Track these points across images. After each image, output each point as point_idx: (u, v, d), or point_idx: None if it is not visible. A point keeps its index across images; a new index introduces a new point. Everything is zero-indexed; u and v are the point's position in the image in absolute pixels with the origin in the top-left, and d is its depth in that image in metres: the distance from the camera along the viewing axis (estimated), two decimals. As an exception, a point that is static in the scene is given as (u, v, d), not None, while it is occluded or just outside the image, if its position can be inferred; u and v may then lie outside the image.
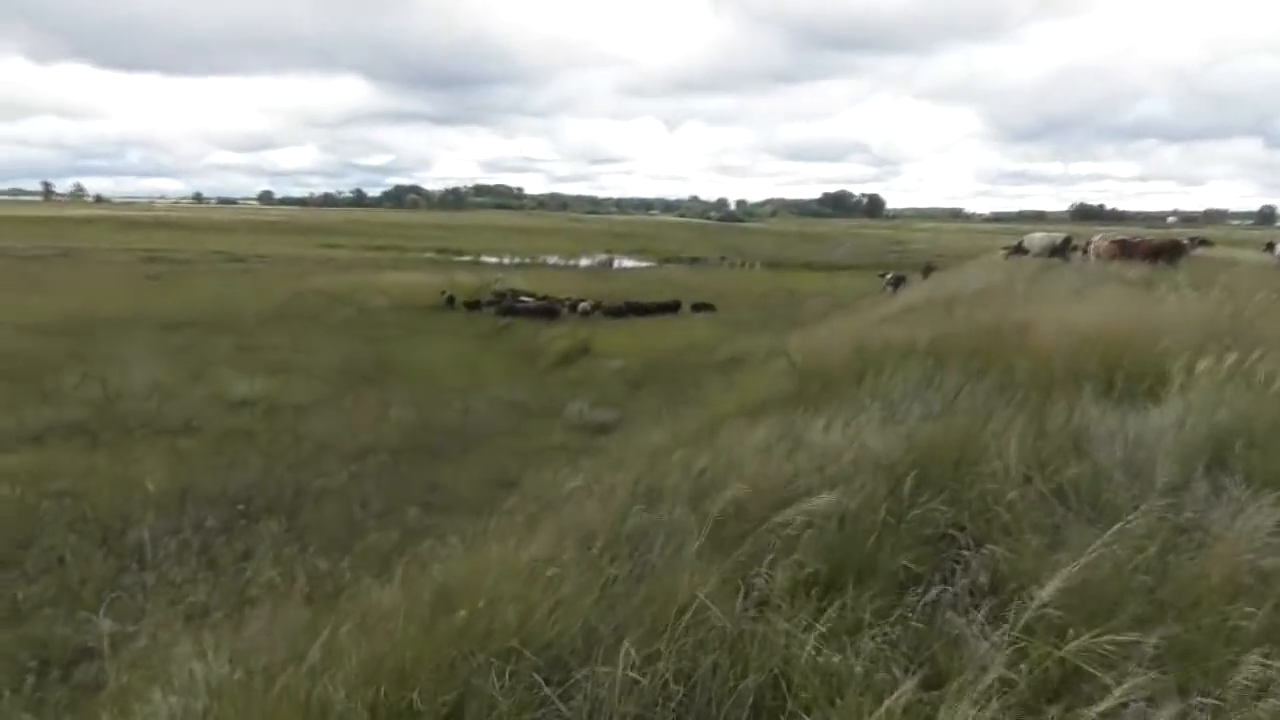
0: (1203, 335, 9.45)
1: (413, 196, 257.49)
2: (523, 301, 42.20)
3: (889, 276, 39.21)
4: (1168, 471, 5.32)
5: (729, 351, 24.38)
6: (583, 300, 42.08)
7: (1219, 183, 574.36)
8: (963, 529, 4.65)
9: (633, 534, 4.25)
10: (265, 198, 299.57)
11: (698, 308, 43.16)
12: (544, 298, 43.75)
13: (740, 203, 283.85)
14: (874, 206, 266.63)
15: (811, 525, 4.25)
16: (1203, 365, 7.40)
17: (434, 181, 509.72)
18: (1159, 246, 23.56)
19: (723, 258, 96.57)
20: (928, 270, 45.11)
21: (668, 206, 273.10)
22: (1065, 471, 5.17)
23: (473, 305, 42.80)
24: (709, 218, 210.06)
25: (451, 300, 43.26)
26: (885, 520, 4.42)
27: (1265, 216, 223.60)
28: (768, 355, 17.68)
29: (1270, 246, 30.27)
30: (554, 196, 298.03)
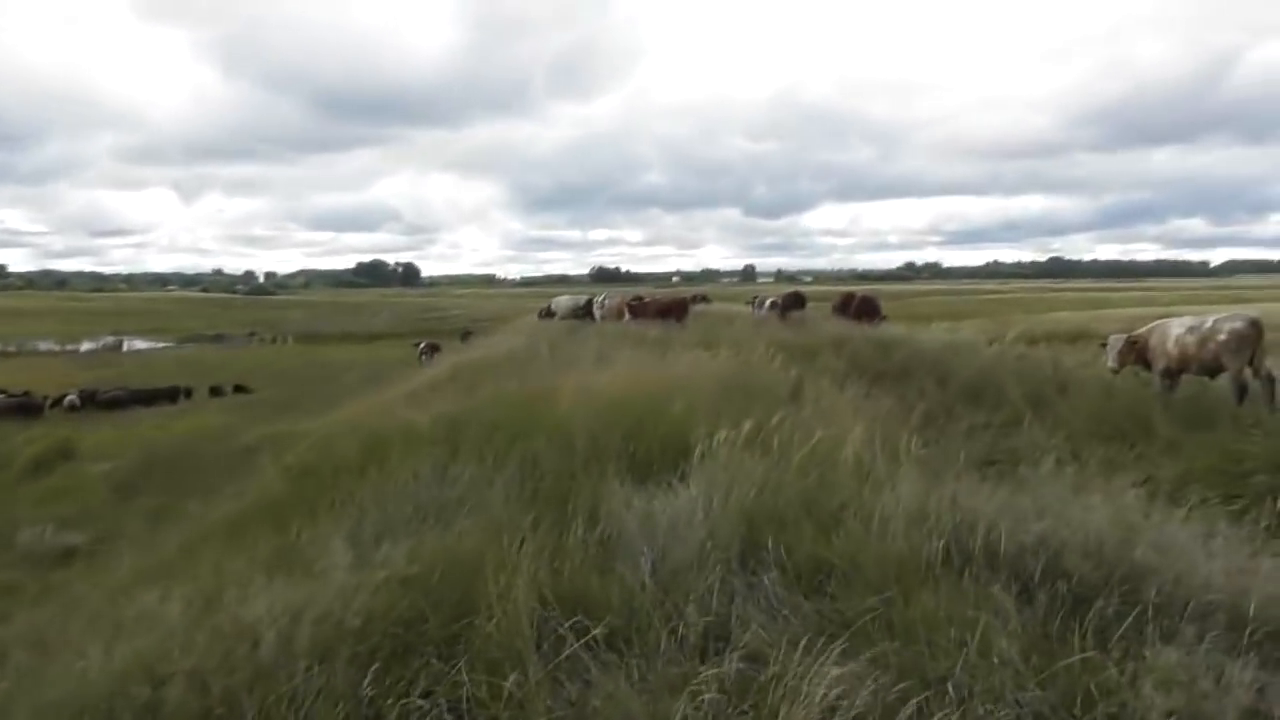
0: (719, 397, 9.27)
1: None
2: (-11, 398, 35.08)
3: (422, 345, 38.18)
4: (703, 576, 4.51)
5: (244, 441, 21.60)
6: (70, 392, 36.02)
7: (711, 246, 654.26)
8: (459, 714, 3.36)
9: None
10: None
11: (216, 391, 38.97)
12: (24, 393, 36.73)
13: (270, 275, 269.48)
14: (410, 275, 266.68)
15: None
16: (722, 435, 6.92)
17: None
18: (667, 305, 24.79)
19: (251, 333, 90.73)
20: (466, 335, 44.89)
21: (188, 281, 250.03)
22: (589, 600, 4.12)
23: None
24: (235, 291, 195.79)
25: (-112, 403, 34.94)
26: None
27: (748, 274, 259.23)
28: (281, 446, 15.57)
29: (755, 303, 33.27)
30: (48, 273, 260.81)
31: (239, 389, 39.61)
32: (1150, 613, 3.89)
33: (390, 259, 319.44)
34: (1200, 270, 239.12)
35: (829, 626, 3.99)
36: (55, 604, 9.52)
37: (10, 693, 4.43)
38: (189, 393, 38.32)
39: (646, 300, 26.07)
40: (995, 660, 3.50)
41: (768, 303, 30.20)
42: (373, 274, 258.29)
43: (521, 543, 4.73)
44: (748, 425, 6.93)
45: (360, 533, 6.02)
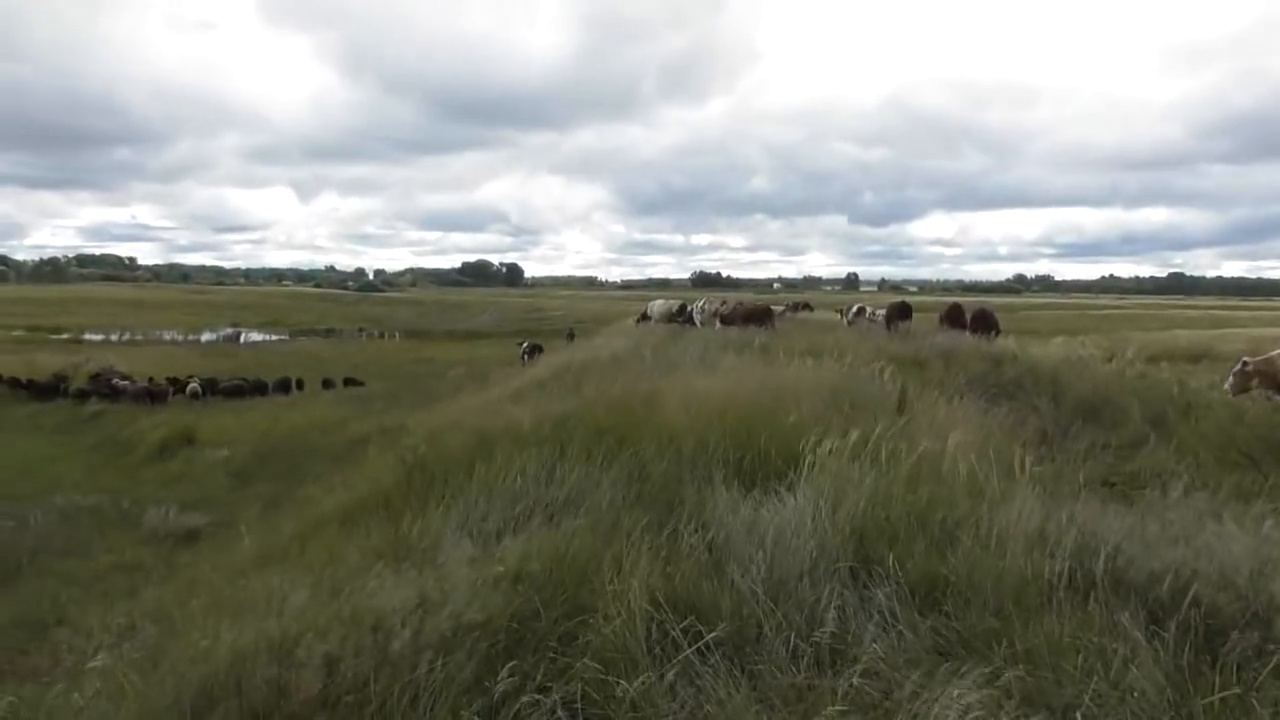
0: (825, 406, 9.17)
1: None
2: (118, 384, 36.84)
3: (525, 345, 38.68)
4: (814, 587, 4.46)
5: (354, 433, 22.26)
6: (192, 380, 37.59)
7: (814, 253, 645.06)
8: (573, 712, 3.40)
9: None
10: None
11: (328, 384, 40.18)
12: (149, 380, 38.44)
13: (379, 272, 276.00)
14: (513, 275, 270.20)
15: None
16: (829, 444, 6.82)
17: (27, 251, 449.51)
18: (752, 311, 25.27)
19: (361, 329, 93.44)
20: (570, 336, 45.51)
21: (302, 277, 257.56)
22: (701, 605, 4.11)
23: (54, 390, 36.93)
24: (347, 288, 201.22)
25: (28, 384, 37.08)
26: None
27: (851, 282, 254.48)
28: (390, 439, 15.97)
29: (845, 311, 32.70)
30: (173, 267, 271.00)
31: (350, 382, 40.72)
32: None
33: (495, 259, 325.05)
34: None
35: (946, 645, 3.90)
36: (180, 583, 9.98)
37: (140, 664, 4.65)
38: (301, 384, 39.57)
39: (735, 307, 26.51)
40: (1127, 692, 3.37)
41: (854, 309, 29.78)
42: (478, 274, 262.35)
43: (633, 545, 4.76)
44: (854, 435, 6.83)
45: (469, 527, 6.13)
